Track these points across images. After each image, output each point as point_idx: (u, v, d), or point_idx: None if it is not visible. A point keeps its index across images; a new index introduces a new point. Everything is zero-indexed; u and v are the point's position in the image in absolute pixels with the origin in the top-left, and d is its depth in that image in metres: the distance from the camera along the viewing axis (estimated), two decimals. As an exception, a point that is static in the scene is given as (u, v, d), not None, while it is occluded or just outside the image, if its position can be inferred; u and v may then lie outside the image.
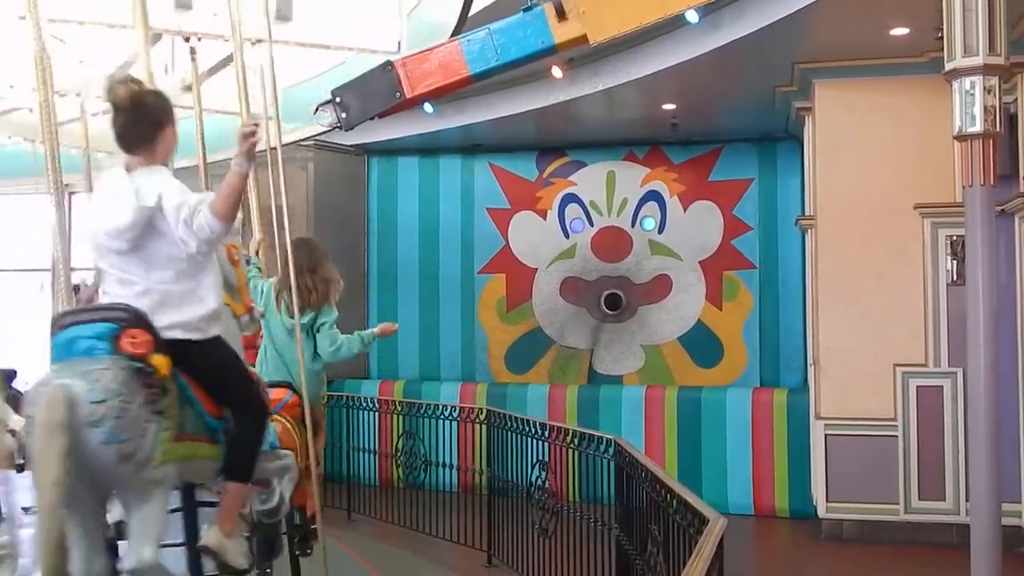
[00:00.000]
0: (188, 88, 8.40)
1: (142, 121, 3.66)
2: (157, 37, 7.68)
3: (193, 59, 7.32)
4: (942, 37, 4.84)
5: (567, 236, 11.82)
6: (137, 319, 3.49)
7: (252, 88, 6.72)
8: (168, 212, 3.51)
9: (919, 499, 8.30)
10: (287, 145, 7.86)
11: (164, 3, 7.10)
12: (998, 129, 4.70)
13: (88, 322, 3.48)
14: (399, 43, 7.39)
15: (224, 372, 3.80)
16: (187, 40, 7.29)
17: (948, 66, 4.77)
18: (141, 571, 3.34)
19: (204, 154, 7.31)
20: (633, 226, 11.61)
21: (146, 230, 3.54)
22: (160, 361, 3.43)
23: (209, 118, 7.44)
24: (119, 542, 3.74)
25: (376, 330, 6.21)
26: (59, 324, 3.55)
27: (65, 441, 3.13)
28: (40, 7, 5.10)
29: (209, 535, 3.77)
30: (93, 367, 3.33)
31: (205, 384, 3.68)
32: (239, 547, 3.87)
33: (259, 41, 6.85)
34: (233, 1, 5.97)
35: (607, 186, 11.70)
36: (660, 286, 11.51)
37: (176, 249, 3.55)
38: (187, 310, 3.63)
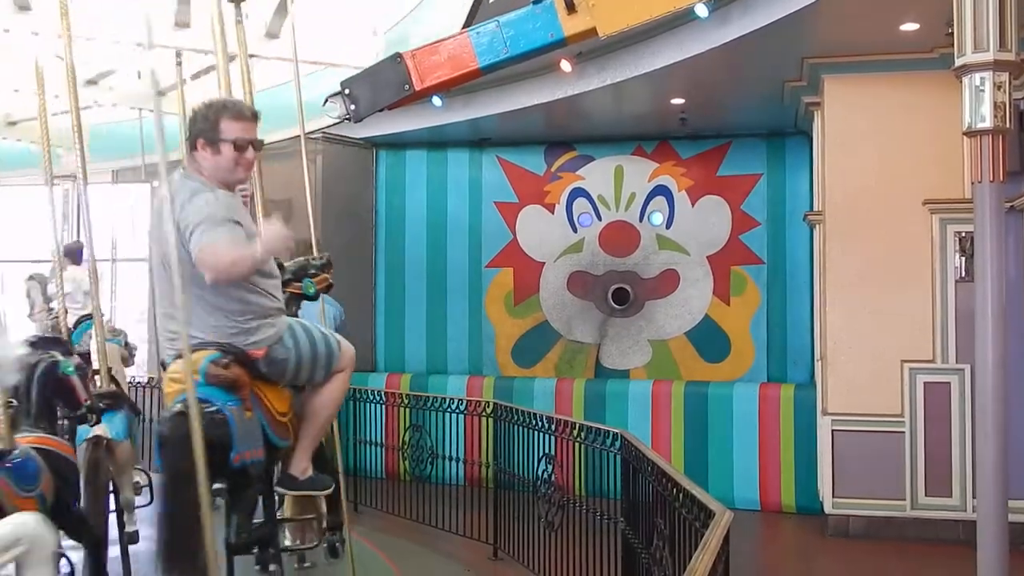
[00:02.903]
0: (160, 93, 8.77)
1: None
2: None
3: (179, 64, 7.66)
4: (952, 32, 4.82)
5: (575, 230, 11.82)
6: None
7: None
8: None
9: (926, 495, 8.28)
10: (292, 139, 7.99)
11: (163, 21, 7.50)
12: (1008, 125, 4.68)
13: None
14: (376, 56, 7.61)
15: None
16: (178, 57, 7.63)
17: (958, 62, 4.75)
18: None
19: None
20: (641, 221, 11.61)
21: None
22: None
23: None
24: None
25: None
26: None
27: None
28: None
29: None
30: None
31: None
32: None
33: (253, 56, 7.12)
34: (221, 22, 6.11)
35: (615, 180, 11.69)
36: (667, 281, 11.50)
37: None
38: None
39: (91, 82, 8.88)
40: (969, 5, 4.70)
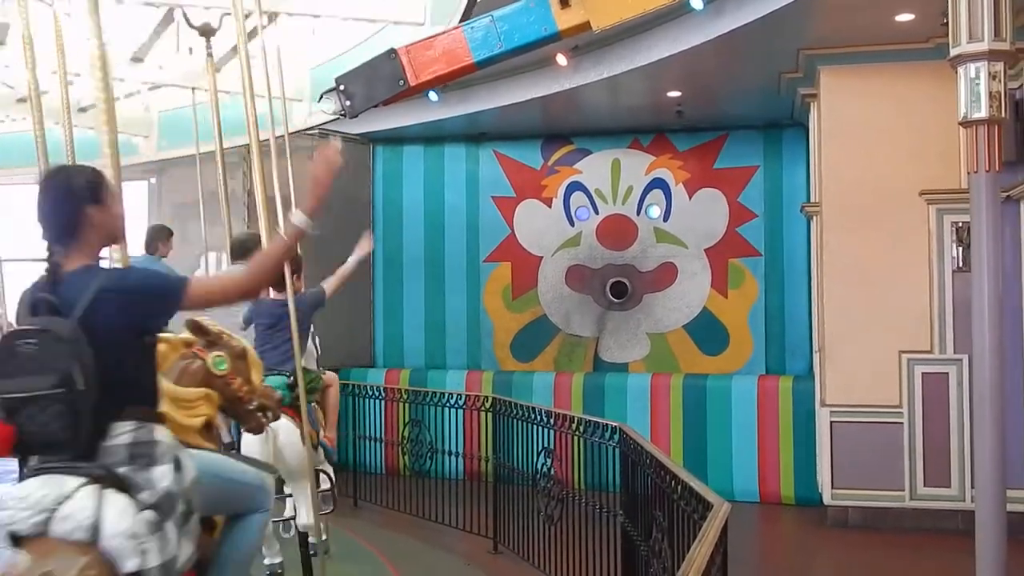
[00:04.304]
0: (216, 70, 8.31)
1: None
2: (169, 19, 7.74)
3: (208, 44, 6.97)
4: (947, 23, 4.82)
5: (572, 224, 11.81)
6: None
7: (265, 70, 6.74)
8: None
9: (924, 486, 8.30)
10: (292, 134, 7.91)
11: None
12: (1003, 115, 4.68)
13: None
14: (425, 12, 7.29)
15: None
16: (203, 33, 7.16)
17: (953, 52, 4.75)
18: None
19: (221, 139, 7.31)
20: (638, 214, 11.60)
21: None
22: None
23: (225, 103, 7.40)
24: None
25: None
26: None
27: None
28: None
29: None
30: None
31: None
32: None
33: (275, 14, 6.81)
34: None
35: (612, 174, 11.69)
36: (665, 274, 11.50)
37: None
38: None
39: (137, 59, 8.57)
40: (964, -5, 4.70)
